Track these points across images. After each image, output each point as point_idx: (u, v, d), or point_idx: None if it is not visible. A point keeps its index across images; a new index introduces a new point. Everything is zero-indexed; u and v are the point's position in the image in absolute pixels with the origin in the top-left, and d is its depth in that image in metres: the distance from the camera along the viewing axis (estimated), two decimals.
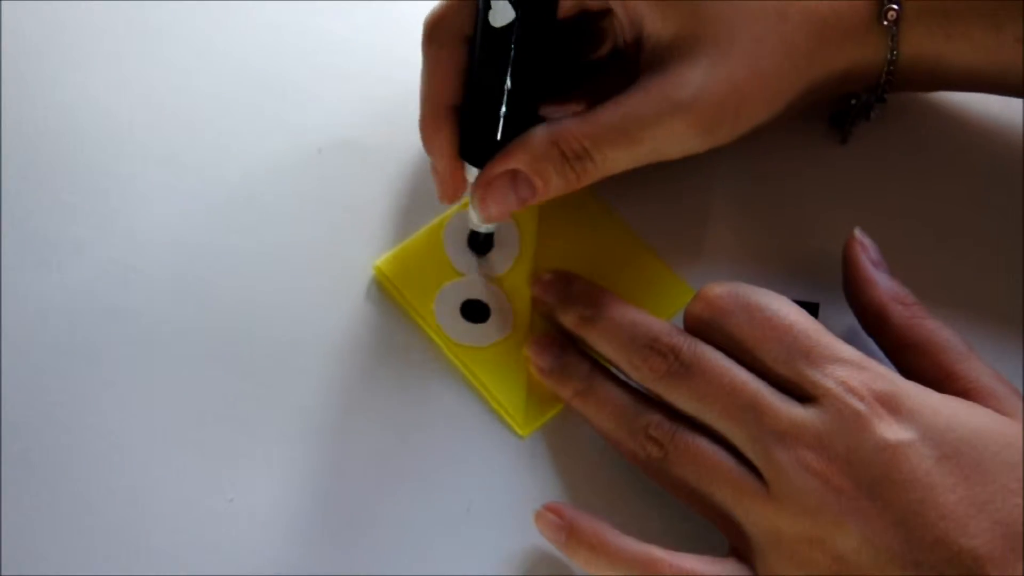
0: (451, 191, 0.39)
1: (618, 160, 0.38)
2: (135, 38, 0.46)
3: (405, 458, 0.39)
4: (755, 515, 0.34)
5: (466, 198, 0.40)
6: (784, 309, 0.35)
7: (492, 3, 0.35)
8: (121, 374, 0.40)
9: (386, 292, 0.42)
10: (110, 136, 0.44)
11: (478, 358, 0.40)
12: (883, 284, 0.37)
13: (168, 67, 0.45)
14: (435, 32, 0.37)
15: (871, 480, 0.32)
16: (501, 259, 0.42)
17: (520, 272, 0.42)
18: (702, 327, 0.36)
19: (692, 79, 0.37)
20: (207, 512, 0.38)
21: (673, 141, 0.38)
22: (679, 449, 0.36)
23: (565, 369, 0.39)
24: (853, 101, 0.42)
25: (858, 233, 0.38)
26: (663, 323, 0.37)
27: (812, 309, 0.37)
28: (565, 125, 0.37)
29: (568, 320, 0.39)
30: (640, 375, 0.37)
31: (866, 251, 0.38)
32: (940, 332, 0.36)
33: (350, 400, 0.40)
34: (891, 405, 0.33)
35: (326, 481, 0.39)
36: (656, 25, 0.37)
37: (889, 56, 0.39)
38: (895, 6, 0.38)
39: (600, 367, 0.39)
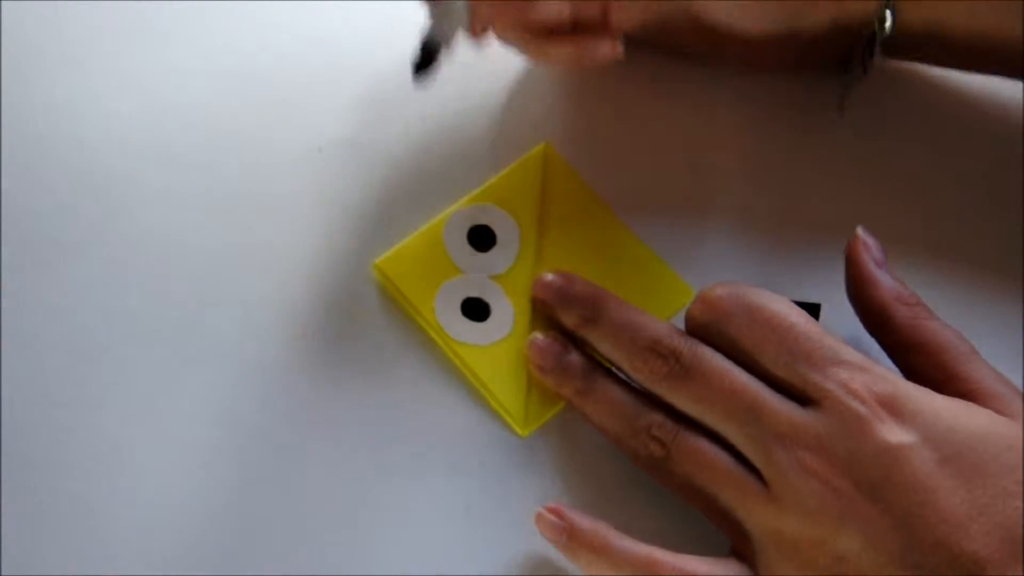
0: None
1: (631, 10, 0.38)
2: (135, 38, 0.46)
3: (404, 458, 0.39)
4: (756, 516, 0.34)
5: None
6: (785, 311, 0.35)
7: None
8: (121, 374, 0.40)
9: (386, 291, 0.42)
10: (110, 136, 0.44)
11: (478, 357, 0.40)
12: (886, 284, 0.37)
13: (168, 67, 0.45)
14: None
15: (872, 482, 0.32)
16: (502, 257, 0.42)
17: (521, 270, 0.42)
18: (703, 329, 0.36)
19: None
20: (207, 512, 0.38)
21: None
22: (681, 449, 0.36)
23: (566, 368, 0.39)
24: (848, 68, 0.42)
25: (861, 232, 0.38)
26: (664, 324, 0.37)
27: (813, 310, 0.37)
28: None
29: (569, 320, 0.39)
30: (641, 376, 0.37)
31: (869, 250, 0.38)
32: (943, 333, 0.36)
33: (349, 400, 0.40)
34: (892, 407, 0.33)
35: (325, 481, 0.39)
36: None
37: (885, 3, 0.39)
38: None
39: (600, 366, 0.39)
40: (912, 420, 0.33)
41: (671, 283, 0.42)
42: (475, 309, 0.41)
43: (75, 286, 0.42)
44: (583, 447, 0.39)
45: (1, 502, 0.38)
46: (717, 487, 0.35)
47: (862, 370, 0.34)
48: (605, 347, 0.38)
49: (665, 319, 0.38)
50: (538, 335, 0.40)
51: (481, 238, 0.42)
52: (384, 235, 0.42)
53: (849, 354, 0.34)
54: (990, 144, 0.44)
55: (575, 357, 0.39)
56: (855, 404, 0.33)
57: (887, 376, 0.34)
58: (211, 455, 0.39)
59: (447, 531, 0.38)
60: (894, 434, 0.32)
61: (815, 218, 0.43)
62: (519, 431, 0.40)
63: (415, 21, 0.38)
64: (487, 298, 0.41)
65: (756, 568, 0.34)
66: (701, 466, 0.35)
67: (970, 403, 0.34)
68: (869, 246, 0.38)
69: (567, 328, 0.40)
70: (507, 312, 0.41)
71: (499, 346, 0.41)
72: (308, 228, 0.43)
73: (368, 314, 0.41)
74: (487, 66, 0.44)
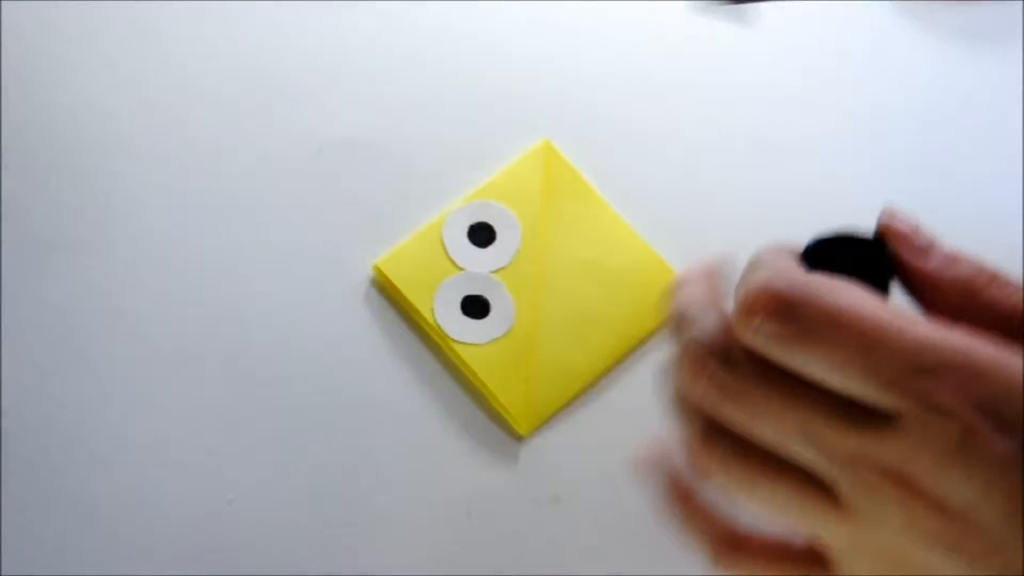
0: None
1: None
2: (135, 38, 0.46)
3: (405, 458, 0.39)
4: (833, 534, 0.31)
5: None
6: (862, 306, 0.29)
7: None
8: (121, 374, 0.40)
9: (386, 292, 0.42)
10: (110, 136, 0.44)
11: (478, 356, 0.40)
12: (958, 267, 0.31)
13: (168, 67, 0.45)
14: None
15: (962, 504, 0.28)
16: (504, 252, 0.42)
17: (523, 264, 0.42)
18: (762, 341, 0.30)
19: None
20: (207, 512, 0.38)
21: None
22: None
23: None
24: None
25: (891, 209, 0.32)
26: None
27: (875, 250, 0.31)
28: None
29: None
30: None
31: (911, 239, 0.32)
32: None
33: (349, 400, 0.40)
34: (991, 411, 0.28)
35: (325, 481, 0.39)
36: None
37: None
38: None
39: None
40: (1015, 423, 0.28)
41: (669, 279, 0.41)
42: (475, 307, 0.41)
43: (75, 286, 0.42)
44: (583, 447, 0.39)
45: (1, 502, 0.38)
46: (790, 508, 0.31)
47: (950, 370, 0.28)
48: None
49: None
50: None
51: (481, 235, 0.42)
52: (384, 235, 0.42)
53: (934, 351, 0.29)
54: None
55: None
56: (943, 422, 0.28)
57: (981, 371, 0.28)
58: (210, 454, 0.39)
59: (447, 531, 0.38)
60: (993, 446, 0.28)
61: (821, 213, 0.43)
62: (519, 431, 0.39)
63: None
64: (487, 295, 0.41)
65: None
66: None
67: None
68: (909, 232, 0.32)
69: None
70: (508, 307, 0.41)
71: (499, 344, 0.41)
72: (308, 228, 0.43)
73: (368, 314, 0.41)
74: (487, 65, 0.44)
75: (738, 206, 0.43)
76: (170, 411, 0.40)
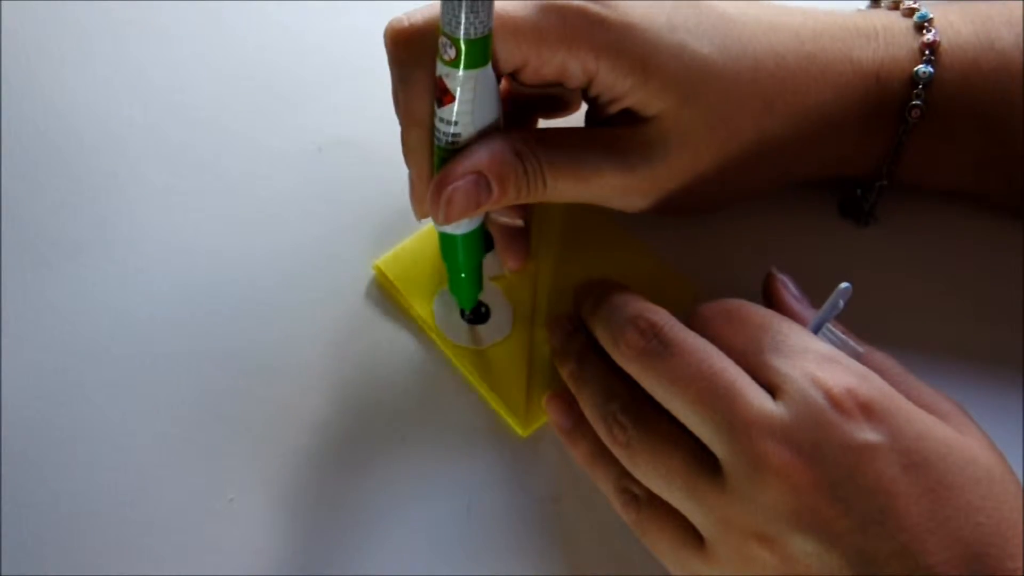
0: (425, 209, 0.38)
1: (565, 192, 0.37)
2: (135, 38, 0.46)
3: (405, 458, 0.39)
4: (707, 504, 0.32)
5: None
6: (762, 311, 0.35)
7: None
8: (121, 374, 0.40)
9: (386, 292, 0.42)
10: (110, 136, 0.44)
11: (477, 359, 0.40)
12: (811, 320, 0.36)
13: (168, 67, 0.46)
14: (406, 52, 0.36)
15: (834, 480, 0.31)
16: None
17: (520, 271, 0.42)
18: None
19: (659, 153, 0.37)
20: (207, 512, 0.38)
21: (620, 200, 0.39)
22: (641, 432, 0.34)
23: (566, 349, 0.38)
24: (859, 191, 0.43)
25: (775, 271, 0.38)
26: (651, 305, 0.36)
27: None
28: (527, 141, 0.36)
29: (583, 311, 0.38)
30: (619, 353, 0.35)
31: (787, 288, 0.38)
32: (873, 356, 0.35)
33: (350, 400, 0.40)
34: (863, 404, 0.31)
35: (326, 481, 0.39)
36: (641, 102, 0.37)
37: (891, 155, 0.40)
38: (918, 103, 0.39)
39: (595, 350, 0.37)
40: (882, 420, 0.31)
41: (670, 279, 0.42)
42: (475, 311, 0.41)
43: (75, 286, 0.42)
44: None
45: (1, 502, 0.38)
46: (671, 475, 0.33)
47: (832, 361, 0.33)
48: (597, 329, 0.37)
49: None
50: (557, 316, 0.39)
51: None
52: (384, 235, 0.42)
53: (822, 347, 0.33)
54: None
55: (577, 339, 0.38)
56: (820, 397, 0.31)
57: (863, 372, 0.33)
58: (209, 454, 0.39)
59: (447, 531, 0.38)
60: (862, 432, 0.31)
61: (822, 211, 0.43)
62: (519, 431, 0.39)
63: None
64: (487, 300, 0.41)
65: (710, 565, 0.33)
66: (656, 450, 0.33)
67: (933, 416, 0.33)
68: (787, 283, 0.38)
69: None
70: (507, 313, 0.41)
71: (499, 347, 0.41)
72: (308, 228, 0.43)
73: (368, 314, 0.42)
74: None
75: (735, 208, 0.43)
76: (170, 411, 0.40)
